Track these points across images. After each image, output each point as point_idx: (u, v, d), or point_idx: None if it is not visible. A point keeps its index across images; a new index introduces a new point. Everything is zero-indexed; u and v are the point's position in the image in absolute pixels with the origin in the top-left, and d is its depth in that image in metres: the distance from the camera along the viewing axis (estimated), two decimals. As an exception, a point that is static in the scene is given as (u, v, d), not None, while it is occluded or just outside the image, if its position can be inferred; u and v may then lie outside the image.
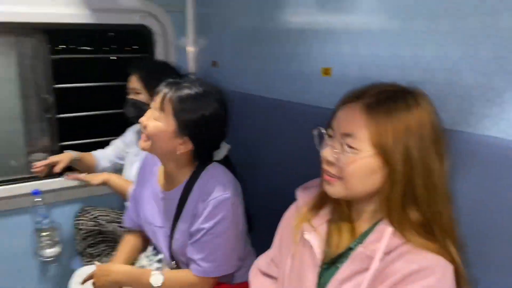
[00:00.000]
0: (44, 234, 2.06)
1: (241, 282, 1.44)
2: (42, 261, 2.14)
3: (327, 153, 0.95)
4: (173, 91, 1.29)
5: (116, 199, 2.18)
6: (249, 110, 1.84)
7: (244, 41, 1.92)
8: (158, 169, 1.49)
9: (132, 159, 1.97)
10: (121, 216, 2.08)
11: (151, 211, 1.47)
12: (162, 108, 1.29)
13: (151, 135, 1.30)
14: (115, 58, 2.42)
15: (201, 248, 1.32)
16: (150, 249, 1.54)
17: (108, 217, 2.07)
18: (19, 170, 2.20)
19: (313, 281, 0.99)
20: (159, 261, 1.46)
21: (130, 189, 1.69)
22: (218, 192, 1.29)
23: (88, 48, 2.33)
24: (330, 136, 0.96)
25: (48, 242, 2.07)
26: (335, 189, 0.95)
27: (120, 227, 2.06)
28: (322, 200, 1.07)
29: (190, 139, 1.30)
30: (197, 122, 1.27)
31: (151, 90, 1.81)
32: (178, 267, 1.44)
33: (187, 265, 1.39)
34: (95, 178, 1.86)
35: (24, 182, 2.10)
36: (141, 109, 1.85)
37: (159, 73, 1.87)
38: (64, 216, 2.11)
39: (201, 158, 1.37)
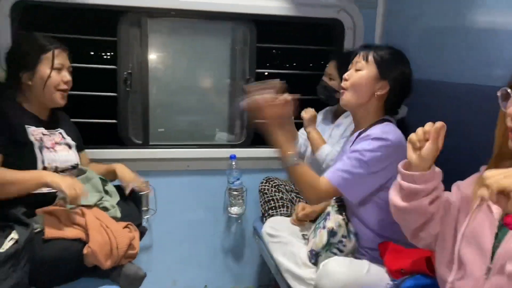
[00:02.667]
0: (234, 193, 2.42)
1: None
2: (229, 216, 2.51)
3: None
4: (373, 50, 1.61)
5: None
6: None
7: (435, 37, 1.99)
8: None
9: None
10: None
11: None
12: (366, 61, 1.58)
13: (354, 84, 1.59)
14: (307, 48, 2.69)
15: (343, 160, 1.53)
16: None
17: (287, 187, 2.32)
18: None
19: (491, 238, 1.02)
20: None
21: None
22: (382, 132, 1.50)
23: (290, 39, 2.65)
24: None
25: (237, 201, 2.43)
26: None
27: (297, 196, 2.29)
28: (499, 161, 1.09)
29: (388, 82, 1.57)
30: (394, 69, 1.57)
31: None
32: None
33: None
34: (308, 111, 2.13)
35: (224, 148, 2.51)
36: (331, 94, 2.14)
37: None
38: (253, 182, 2.42)
39: (389, 107, 1.62)
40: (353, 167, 1.50)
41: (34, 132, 1.73)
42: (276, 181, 2.35)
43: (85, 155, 2.04)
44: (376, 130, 1.53)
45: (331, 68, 2.16)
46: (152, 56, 2.39)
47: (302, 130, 2.35)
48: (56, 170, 1.76)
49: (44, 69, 1.74)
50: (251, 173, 2.51)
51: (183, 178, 2.48)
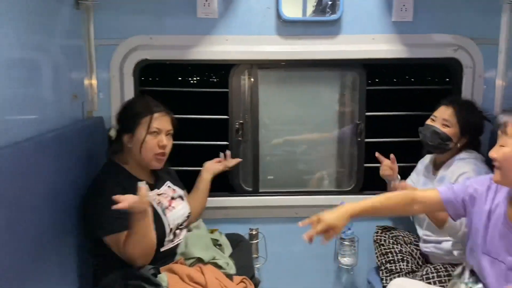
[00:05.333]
0: (345, 243, 2.33)
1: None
2: (339, 267, 2.42)
3: None
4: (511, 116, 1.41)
5: (411, 222, 2.28)
6: None
7: None
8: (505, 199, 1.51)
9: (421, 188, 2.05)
10: (418, 240, 2.16)
11: (495, 241, 1.49)
12: (504, 134, 1.41)
13: (502, 162, 1.40)
14: (422, 89, 2.56)
15: None
16: (467, 274, 1.55)
17: (406, 239, 2.18)
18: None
19: None
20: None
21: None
22: None
23: (396, 80, 2.56)
24: None
25: (348, 251, 2.33)
26: None
27: (417, 249, 2.14)
28: None
29: None
30: None
31: (462, 126, 1.96)
32: None
33: None
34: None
35: (333, 195, 2.45)
36: (444, 142, 1.97)
37: (473, 111, 2.02)
38: (365, 230, 2.32)
39: None
40: None
41: (152, 198, 1.78)
42: (393, 231, 2.22)
43: (186, 193, 2.10)
44: None
45: (446, 113, 2.00)
46: (262, 106, 2.43)
47: (411, 178, 2.23)
48: (178, 226, 1.85)
49: (141, 132, 1.77)
50: (363, 219, 2.38)
51: (293, 226, 2.44)
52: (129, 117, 1.82)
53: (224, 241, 2.00)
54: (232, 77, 2.38)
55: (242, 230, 2.37)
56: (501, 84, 2.31)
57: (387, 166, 2.08)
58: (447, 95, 2.41)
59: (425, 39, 2.30)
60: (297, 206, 2.43)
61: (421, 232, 2.09)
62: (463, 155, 1.99)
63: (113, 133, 1.88)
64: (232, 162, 2.28)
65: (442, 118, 2.00)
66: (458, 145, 1.99)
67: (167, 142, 1.84)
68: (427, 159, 2.20)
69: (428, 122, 2.05)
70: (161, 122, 1.82)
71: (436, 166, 2.09)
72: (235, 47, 2.27)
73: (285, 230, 2.45)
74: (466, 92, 2.35)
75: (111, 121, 2.15)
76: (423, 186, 2.09)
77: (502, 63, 2.30)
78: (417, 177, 2.22)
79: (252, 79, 2.39)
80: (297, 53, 2.29)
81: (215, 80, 2.51)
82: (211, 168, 2.22)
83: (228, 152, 2.31)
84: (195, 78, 2.72)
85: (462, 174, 1.88)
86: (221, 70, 2.45)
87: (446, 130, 1.98)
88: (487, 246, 1.48)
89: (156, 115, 1.80)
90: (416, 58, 2.33)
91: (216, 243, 1.96)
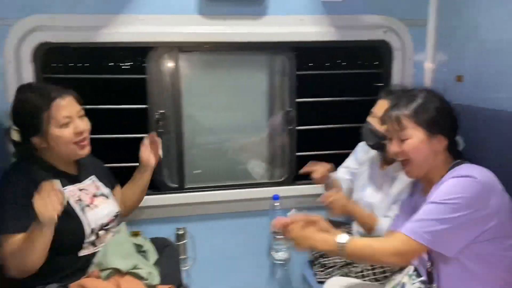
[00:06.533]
0: (278, 237, 2.20)
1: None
2: (273, 262, 2.30)
3: None
4: (402, 108, 1.41)
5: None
6: (503, 128, 1.64)
7: (495, 53, 1.80)
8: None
9: (365, 182, 1.95)
10: (350, 229, 2.09)
11: None
12: (403, 128, 1.39)
13: (411, 154, 1.39)
14: (354, 74, 2.47)
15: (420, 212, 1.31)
16: (412, 267, 1.46)
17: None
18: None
19: None
20: (423, 282, 1.37)
21: (376, 224, 1.72)
22: (466, 171, 1.30)
23: (329, 65, 2.44)
24: None
25: (282, 245, 2.21)
26: None
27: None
28: None
29: (441, 133, 1.38)
30: (437, 115, 1.39)
31: None
32: None
33: None
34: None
35: (265, 187, 2.30)
36: (380, 139, 1.79)
37: None
38: (299, 222, 2.21)
39: (454, 150, 1.43)
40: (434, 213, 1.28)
41: (71, 193, 1.58)
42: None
43: (118, 189, 1.90)
44: (461, 171, 1.33)
45: (382, 109, 1.70)
46: (186, 93, 2.21)
47: (342, 170, 2.13)
48: (102, 227, 1.62)
49: (50, 129, 1.53)
50: (297, 212, 2.30)
51: (223, 222, 2.29)
52: (28, 115, 1.54)
53: (148, 246, 1.80)
54: (150, 62, 2.13)
55: (169, 230, 2.18)
56: (430, 67, 2.28)
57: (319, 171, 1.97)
58: (378, 79, 2.36)
59: (355, 21, 2.20)
60: (227, 201, 2.26)
61: (355, 228, 2.01)
62: None
63: (15, 136, 1.58)
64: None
65: (377, 115, 1.81)
66: None
67: (84, 125, 1.60)
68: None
69: (368, 118, 1.87)
70: (67, 107, 1.56)
71: (387, 160, 1.89)
72: (152, 28, 2.02)
73: (216, 227, 2.29)
74: (396, 76, 2.29)
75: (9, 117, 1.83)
76: (369, 179, 1.94)
77: (431, 46, 2.27)
78: (359, 167, 2.05)
79: (173, 64, 2.15)
80: (221, 34, 2.09)
81: (133, 65, 2.23)
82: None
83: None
84: (110, 64, 2.42)
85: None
86: (139, 55, 2.19)
87: (383, 128, 1.75)
88: None
89: (57, 102, 1.54)
90: (346, 40, 2.21)
91: (139, 250, 1.76)
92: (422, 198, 1.44)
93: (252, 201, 2.29)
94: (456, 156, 1.43)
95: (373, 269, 1.80)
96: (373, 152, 1.98)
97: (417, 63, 2.29)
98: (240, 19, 2.10)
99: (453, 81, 2.06)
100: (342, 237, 1.32)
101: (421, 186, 1.52)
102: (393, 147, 1.43)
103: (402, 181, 1.76)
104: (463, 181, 1.27)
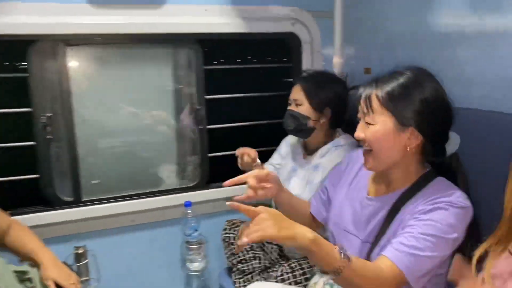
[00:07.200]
0: (192, 246, 2.03)
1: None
2: (188, 273, 2.12)
3: None
4: (375, 88, 1.18)
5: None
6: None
7: (401, 45, 1.83)
8: (368, 173, 1.33)
9: (289, 175, 1.87)
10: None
11: (346, 214, 1.32)
12: (371, 111, 1.17)
13: (373, 143, 1.18)
14: (264, 67, 2.37)
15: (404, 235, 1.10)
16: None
17: (258, 232, 1.98)
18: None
19: None
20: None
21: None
22: (454, 197, 1.11)
23: (241, 60, 2.32)
24: None
25: (196, 255, 2.04)
26: None
27: (269, 242, 1.96)
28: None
29: (416, 128, 1.14)
30: (417, 107, 1.14)
31: (314, 101, 1.77)
32: None
33: None
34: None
35: (175, 193, 2.11)
36: (301, 122, 1.79)
37: (324, 83, 1.81)
38: (213, 228, 2.06)
39: (434, 152, 1.20)
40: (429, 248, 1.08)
41: None
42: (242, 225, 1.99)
43: (2, 214, 1.55)
44: (445, 193, 1.13)
45: (296, 93, 1.81)
46: (77, 94, 1.94)
47: (271, 161, 2.05)
48: None
49: None
50: (211, 217, 2.15)
51: (130, 236, 2.06)
52: None
53: (34, 273, 1.52)
54: (32, 58, 1.83)
55: (66, 250, 1.89)
56: (339, 61, 2.25)
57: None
58: (290, 73, 2.29)
59: (262, 12, 2.09)
60: (133, 212, 2.03)
61: None
62: (339, 140, 1.80)
63: None
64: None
65: (293, 99, 1.82)
66: (321, 121, 1.80)
67: None
68: (292, 139, 2.00)
69: (288, 108, 1.86)
70: None
71: (309, 150, 1.88)
72: (32, 18, 1.73)
73: (122, 242, 2.05)
74: (306, 69, 2.23)
75: None
76: (292, 172, 1.87)
77: (338, 38, 2.24)
78: (282, 161, 2.00)
79: (59, 60, 1.87)
80: (114, 25, 1.85)
81: (12, 62, 1.91)
82: None
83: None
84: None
85: (338, 164, 1.65)
86: (18, 50, 1.87)
87: (299, 109, 1.79)
88: (344, 222, 1.33)
89: None
90: (253, 32, 2.09)
91: (23, 278, 1.48)
92: (368, 196, 1.29)
93: (161, 210, 2.08)
94: (436, 156, 1.21)
95: (292, 271, 1.71)
96: (295, 142, 1.96)
97: (326, 56, 2.25)
98: (136, 8, 1.88)
99: (361, 74, 2.05)
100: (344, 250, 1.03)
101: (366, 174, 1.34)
102: (357, 131, 1.22)
103: (325, 168, 1.73)
104: (461, 213, 1.10)
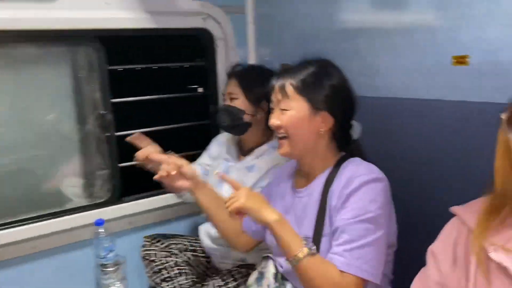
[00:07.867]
0: (108, 269, 1.80)
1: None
2: (106, 300, 1.88)
3: None
4: (289, 77, 1.26)
5: (187, 223, 2.00)
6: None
7: (311, 41, 1.84)
8: (294, 176, 1.39)
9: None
10: (195, 242, 1.84)
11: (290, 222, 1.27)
12: (285, 97, 1.25)
13: (288, 128, 1.24)
14: (178, 67, 2.21)
15: (343, 235, 1.13)
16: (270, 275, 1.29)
17: (180, 245, 1.81)
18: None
19: None
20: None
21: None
22: (367, 173, 1.17)
23: (153, 59, 2.14)
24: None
25: (113, 278, 1.81)
26: None
27: (195, 255, 1.80)
28: (495, 212, 0.89)
29: (328, 111, 1.24)
30: (328, 92, 1.24)
31: (250, 94, 1.69)
32: None
33: None
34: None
35: (84, 212, 1.86)
36: (236, 116, 1.68)
37: (259, 76, 1.72)
38: (131, 246, 1.86)
39: (343, 135, 1.28)
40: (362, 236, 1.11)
41: None
42: (163, 240, 1.81)
43: None
44: (357, 173, 1.18)
45: (231, 87, 1.72)
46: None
47: (200, 161, 1.91)
48: None
49: None
50: (128, 234, 1.96)
51: (31, 265, 1.77)
52: None
53: None
54: None
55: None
56: (253, 57, 2.18)
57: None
58: (206, 72, 2.16)
59: (170, 6, 1.94)
60: (34, 238, 1.75)
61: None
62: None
63: None
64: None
65: (228, 93, 1.73)
66: (258, 116, 1.69)
67: None
68: (225, 139, 1.87)
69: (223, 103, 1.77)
70: None
71: (244, 151, 1.77)
72: None
73: (22, 274, 1.76)
74: (222, 68, 2.12)
75: None
76: (225, 172, 1.71)
77: (252, 35, 2.17)
78: (214, 162, 1.86)
79: None
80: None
81: None
82: None
83: None
84: None
85: (275, 166, 1.61)
86: None
87: (235, 103, 1.69)
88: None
89: None
90: (162, 28, 1.93)
91: None
92: (295, 190, 1.34)
93: (68, 232, 1.83)
94: (342, 146, 1.30)
95: (226, 284, 1.58)
96: (229, 142, 1.84)
97: (241, 54, 2.16)
98: (25, 1, 1.62)
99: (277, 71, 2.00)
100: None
101: (289, 173, 1.41)
102: (272, 119, 1.27)
103: (259, 169, 1.64)
104: (379, 186, 1.16)
